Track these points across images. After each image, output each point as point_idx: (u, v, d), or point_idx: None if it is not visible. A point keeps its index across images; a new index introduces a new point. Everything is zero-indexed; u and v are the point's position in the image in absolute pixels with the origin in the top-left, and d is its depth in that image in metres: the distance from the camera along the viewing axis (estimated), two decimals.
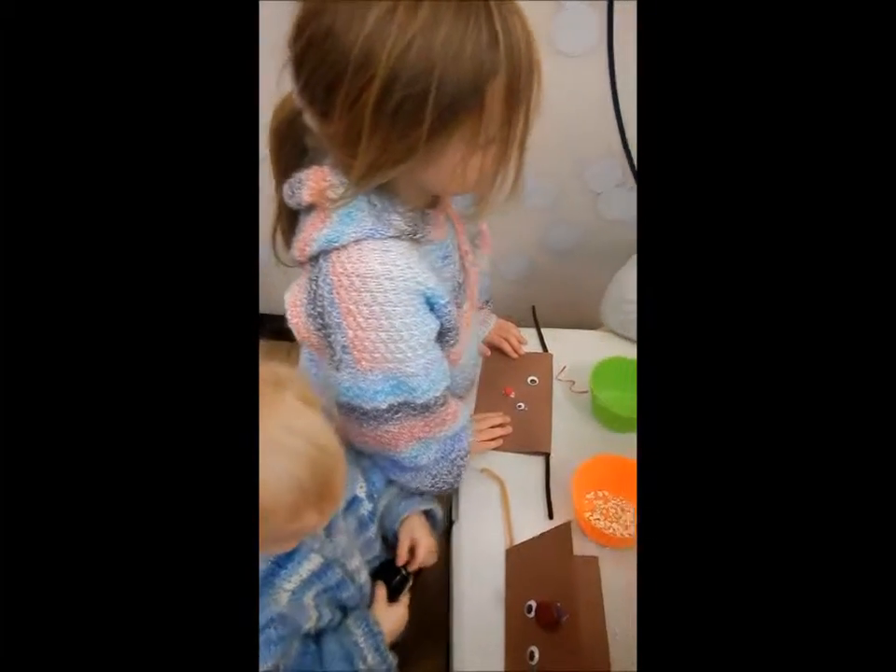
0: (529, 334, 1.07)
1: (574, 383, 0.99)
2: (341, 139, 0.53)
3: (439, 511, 0.81)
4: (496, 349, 1.04)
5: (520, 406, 0.95)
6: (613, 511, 0.81)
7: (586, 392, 0.95)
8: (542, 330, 1.08)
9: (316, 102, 0.52)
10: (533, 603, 0.68)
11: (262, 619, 0.56)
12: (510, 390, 0.97)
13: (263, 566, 0.58)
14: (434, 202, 0.67)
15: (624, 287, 1.03)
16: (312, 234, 0.59)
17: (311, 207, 0.60)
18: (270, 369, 0.51)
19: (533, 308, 1.11)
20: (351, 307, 0.59)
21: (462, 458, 0.78)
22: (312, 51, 0.49)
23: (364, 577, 0.69)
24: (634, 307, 0.99)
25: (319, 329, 0.63)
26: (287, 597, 0.59)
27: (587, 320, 1.08)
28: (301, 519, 0.50)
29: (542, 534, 0.74)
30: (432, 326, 0.65)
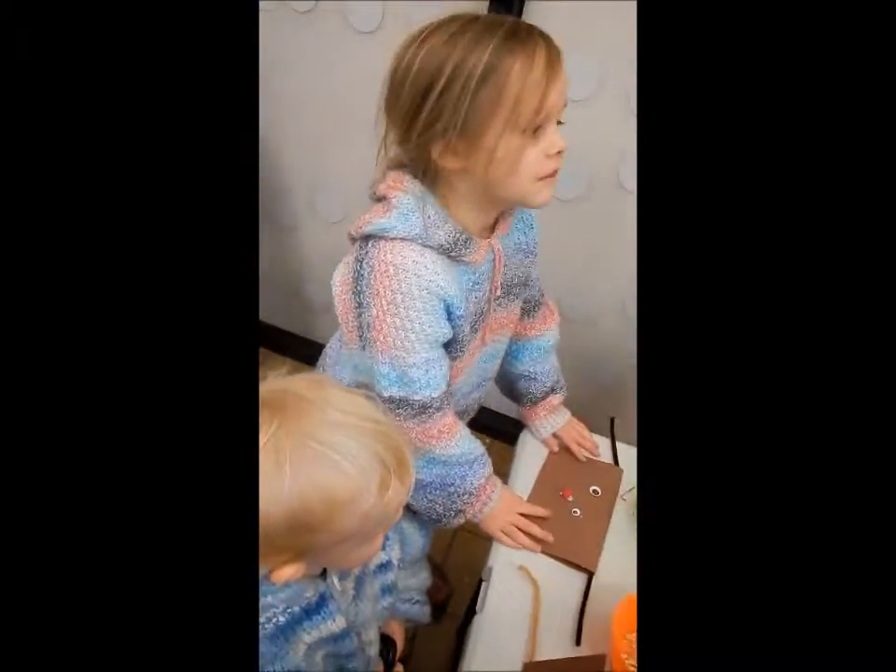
0: (604, 444, 1.01)
1: None
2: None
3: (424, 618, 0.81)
4: (564, 447, 0.99)
5: (575, 512, 0.89)
6: None
7: None
8: (618, 445, 1.02)
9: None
10: None
11: (279, 667, 0.54)
12: (568, 492, 0.91)
13: (295, 608, 0.56)
14: (483, 232, 0.74)
15: None
16: (371, 218, 0.68)
17: (382, 198, 0.70)
18: (306, 374, 0.53)
19: (612, 419, 1.06)
20: (380, 290, 0.68)
21: (461, 498, 0.79)
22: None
23: (374, 650, 0.66)
24: None
25: (357, 307, 0.71)
26: (303, 650, 0.56)
27: None
28: (389, 491, 0.49)
29: (572, 658, 0.66)
30: (443, 330, 0.72)
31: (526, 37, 0.60)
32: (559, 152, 0.66)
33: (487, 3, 1.09)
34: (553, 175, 0.67)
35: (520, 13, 1.08)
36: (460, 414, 0.92)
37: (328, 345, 0.93)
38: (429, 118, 0.61)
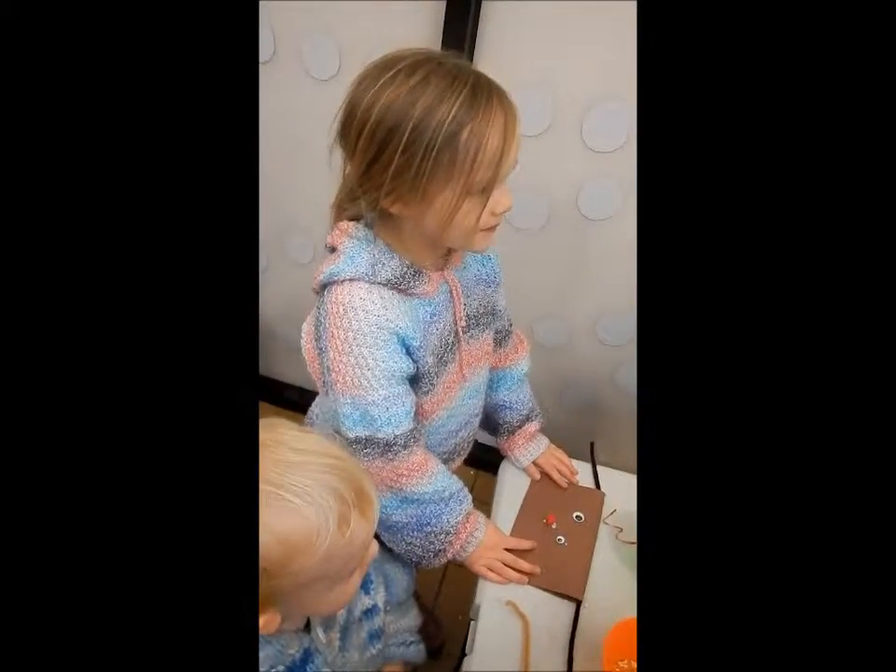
0: (584, 469, 1.02)
1: (622, 530, 0.92)
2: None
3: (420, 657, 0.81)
4: (545, 474, 0.99)
5: (559, 539, 0.89)
6: None
7: (633, 544, 0.88)
8: (598, 468, 1.02)
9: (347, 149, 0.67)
10: None
11: None
12: (552, 519, 0.92)
13: (279, 668, 0.54)
14: (436, 266, 0.76)
15: None
16: (323, 268, 0.72)
17: (333, 249, 0.74)
18: (260, 420, 0.53)
19: (591, 444, 1.06)
20: (334, 332, 0.70)
21: (438, 538, 0.78)
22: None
23: None
24: None
25: (319, 354, 0.73)
26: None
27: None
28: (349, 526, 0.48)
29: None
30: (400, 364, 0.73)
31: (486, 101, 0.61)
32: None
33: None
34: (495, 225, 0.70)
35: (472, 47, 1.11)
36: (450, 455, 0.92)
37: (312, 404, 0.93)
38: (385, 171, 0.63)
